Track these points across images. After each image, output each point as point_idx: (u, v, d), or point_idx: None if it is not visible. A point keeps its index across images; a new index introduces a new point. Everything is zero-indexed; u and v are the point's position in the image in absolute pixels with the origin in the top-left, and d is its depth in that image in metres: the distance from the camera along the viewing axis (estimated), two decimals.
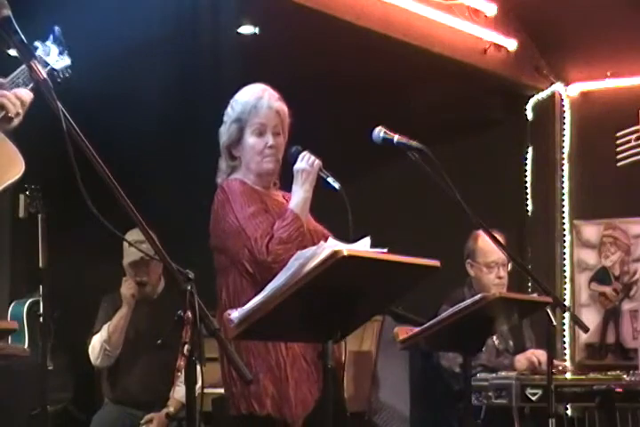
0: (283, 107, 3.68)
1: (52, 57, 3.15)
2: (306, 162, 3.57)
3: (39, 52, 3.12)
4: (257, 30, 6.06)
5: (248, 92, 3.69)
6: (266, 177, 3.67)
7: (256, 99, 3.64)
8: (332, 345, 2.84)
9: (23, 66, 2.97)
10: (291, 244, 3.40)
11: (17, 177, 2.70)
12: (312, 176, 3.56)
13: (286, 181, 3.75)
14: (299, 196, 3.57)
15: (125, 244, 5.32)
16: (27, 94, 2.90)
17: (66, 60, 3.20)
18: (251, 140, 3.63)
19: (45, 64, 3.12)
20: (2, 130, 2.78)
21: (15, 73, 2.98)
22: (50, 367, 4.75)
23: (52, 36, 3.20)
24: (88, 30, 4.97)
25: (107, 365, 5.34)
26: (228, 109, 3.70)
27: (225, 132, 3.68)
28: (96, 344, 5.32)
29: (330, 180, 3.56)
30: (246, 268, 3.46)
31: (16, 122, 2.82)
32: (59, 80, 3.15)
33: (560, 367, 5.11)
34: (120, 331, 5.29)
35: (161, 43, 5.44)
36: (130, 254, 5.37)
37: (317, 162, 3.58)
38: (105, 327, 5.32)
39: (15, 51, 2.55)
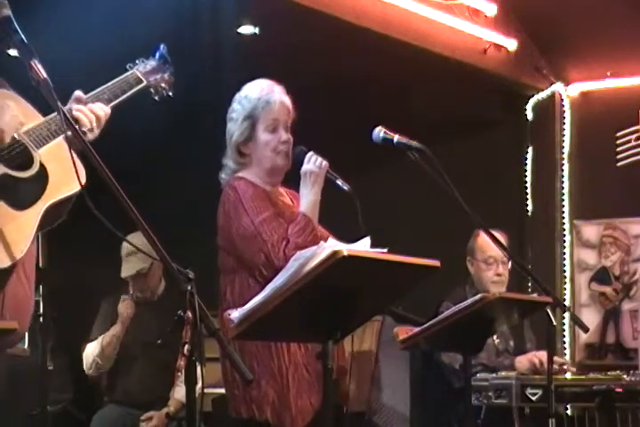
0: (289, 101, 3.67)
1: (152, 74, 3.12)
2: (313, 163, 3.55)
3: (140, 68, 3.10)
4: (257, 30, 6.05)
5: (256, 88, 3.65)
6: (278, 173, 3.65)
7: (267, 94, 3.62)
8: (333, 346, 2.84)
9: (108, 84, 2.97)
10: (305, 248, 3.37)
11: (70, 193, 2.71)
12: (320, 178, 3.55)
13: (286, 179, 3.75)
14: (308, 199, 3.55)
15: (123, 257, 5.39)
16: (101, 110, 2.90)
17: (168, 80, 3.18)
18: (264, 136, 3.60)
19: (139, 81, 3.10)
20: (75, 145, 2.78)
21: (101, 88, 2.97)
22: (50, 367, 4.75)
23: (157, 54, 3.18)
24: (88, 30, 4.98)
25: (97, 375, 5.40)
26: (236, 106, 3.65)
27: (235, 130, 3.62)
28: (89, 355, 5.37)
29: (339, 182, 3.55)
30: (262, 272, 3.44)
31: (90, 137, 2.83)
32: (156, 98, 3.14)
33: (565, 366, 5.10)
34: (113, 347, 5.33)
35: (161, 43, 5.43)
36: (126, 269, 5.42)
37: (325, 163, 3.56)
38: (99, 340, 5.33)
39: (15, 50, 2.55)
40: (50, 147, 2.72)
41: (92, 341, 5.41)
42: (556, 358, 4.81)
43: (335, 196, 3.56)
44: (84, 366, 5.37)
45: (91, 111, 2.85)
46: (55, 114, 2.72)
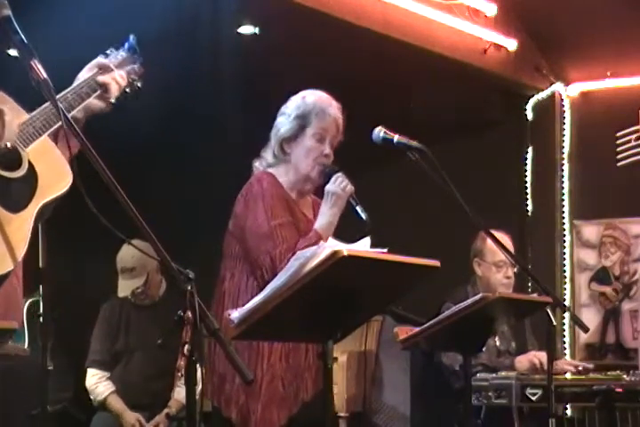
0: (342, 122, 3.68)
1: (124, 66, 3.13)
2: (338, 185, 3.54)
3: (111, 60, 3.10)
4: (257, 30, 6.05)
5: (316, 95, 3.67)
6: (308, 184, 3.64)
7: (326, 105, 3.64)
8: (333, 346, 2.84)
9: (80, 80, 2.98)
10: None
11: (61, 192, 2.71)
12: (342, 201, 3.54)
13: None
14: (325, 218, 3.55)
15: (118, 273, 5.40)
16: (124, 77, 2.99)
17: (138, 71, 3.18)
18: (309, 142, 3.60)
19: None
20: (91, 112, 2.84)
21: (75, 85, 2.97)
22: (50, 367, 4.74)
23: (126, 45, 3.18)
24: (88, 30, 4.97)
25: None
26: (291, 103, 3.66)
27: (285, 124, 3.63)
28: (89, 386, 5.44)
29: (358, 208, 3.51)
30: (263, 273, 3.45)
31: (108, 108, 2.93)
32: (127, 90, 3.14)
33: (580, 368, 5.09)
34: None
35: (161, 43, 5.43)
36: (123, 289, 5.44)
37: (350, 187, 3.55)
38: (103, 387, 5.39)
39: (15, 51, 2.55)
40: (36, 145, 2.71)
41: (93, 352, 5.44)
42: (571, 361, 4.82)
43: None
44: (90, 395, 5.45)
45: (116, 81, 2.94)
46: (38, 111, 2.74)
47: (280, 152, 3.64)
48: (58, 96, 2.72)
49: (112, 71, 2.95)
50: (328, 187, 3.56)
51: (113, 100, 2.93)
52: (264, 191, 3.53)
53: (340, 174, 3.57)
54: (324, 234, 3.51)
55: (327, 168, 3.60)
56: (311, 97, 3.66)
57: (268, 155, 3.67)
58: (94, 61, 2.99)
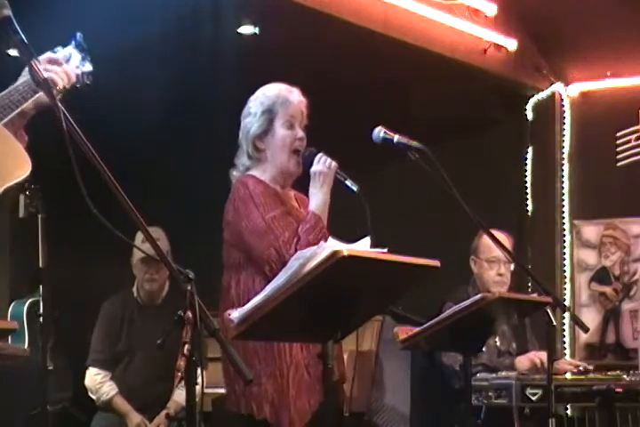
0: (305, 106, 3.69)
1: (73, 63, 3.14)
2: (322, 164, 3.56)
3: (59, 56, 3.11)
4: (257, 30, 6.06)
5: (275, 88, 3.69)
6: (288, 175, 3.66)
7: (287, 93, 3.66)
8: (333, 346, 2.84)
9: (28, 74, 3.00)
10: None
11: (23, 177, 2.72)
12: (329, 178, 3.56)
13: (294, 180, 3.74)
14: (318, 198, 3.56)
15: (137, 240, 5.36)
16: (72, 71, 2.98)
17: (87, 67, 3.19)
18: (281, 131, 3.62)
19: None
20: (41, 105, 2.83)
21: (28, 78, 2.98)
22: (50, 367, 4.75)
23: (73, 42, 3.19)
24: (88, 30, 4.97)
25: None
26: (253, 103, 3.68)
27: (253, 123, 3.64)
28: (89, 384, 5.42)
29: (348, 182, 3.55)
30: (272, 267, 3.43)
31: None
32: (78, 86, 3.15)
33: (581, 368, 5.09)
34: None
35: (161, 43, 5.44)
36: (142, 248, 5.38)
37: (334, 164, 3.57)
38: (99, 384, 5.38)
39: (16, 50, 2.55)
40: None
41: (94, 352, 5.42)
42: (571, 361, 4.82)
43: (341, 196, 3.55)
44: (90, 393, 5.44)
45: (63, 71, 2.94)
46: None
47: (254, 151, 3.65)
48: (9, 89, 2.74)
49: (60, 65, 2.96)
50: (313, 168, 3.58)
51: (60, 88, 2.92)
52: (251, 192, 3.54)
53: (321, 155, 3.59)
54: (320, 214, 3.54)
55: (306, 152, 3.62)
56: (271, 90, 3.69)
57: (242, 159, 3.68)
58: (43, 56, 3.00)
